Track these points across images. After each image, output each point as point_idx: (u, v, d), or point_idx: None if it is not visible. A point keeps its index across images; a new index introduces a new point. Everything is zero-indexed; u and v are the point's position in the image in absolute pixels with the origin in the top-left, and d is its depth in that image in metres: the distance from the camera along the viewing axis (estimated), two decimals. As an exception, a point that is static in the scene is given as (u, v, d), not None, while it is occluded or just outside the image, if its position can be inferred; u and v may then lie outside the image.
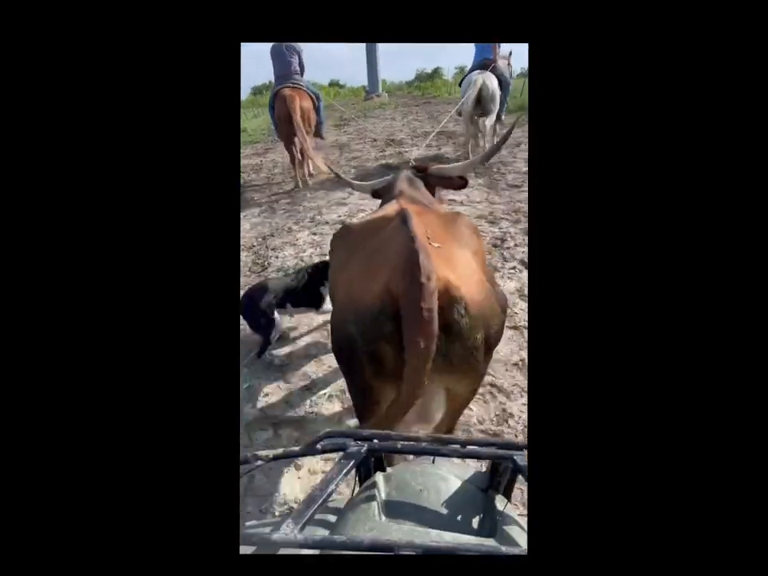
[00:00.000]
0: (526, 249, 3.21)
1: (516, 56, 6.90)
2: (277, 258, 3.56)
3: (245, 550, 0.41)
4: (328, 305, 2.30)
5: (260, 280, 2.88)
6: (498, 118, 5.82)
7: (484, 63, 5.41)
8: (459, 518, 0.50)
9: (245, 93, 17.31)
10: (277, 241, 3.90)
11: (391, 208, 1.29)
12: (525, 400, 1.92)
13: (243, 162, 7.05)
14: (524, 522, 0.49)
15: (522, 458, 0.50)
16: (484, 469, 0.59)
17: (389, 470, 0.58)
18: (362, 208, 4.37)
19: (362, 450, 0.54)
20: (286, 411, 2.01)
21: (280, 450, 0.57)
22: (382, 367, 1.00)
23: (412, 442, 0.54)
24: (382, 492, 0.52)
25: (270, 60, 5.28)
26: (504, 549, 0.39)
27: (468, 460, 0.59)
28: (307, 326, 2.63)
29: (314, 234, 3.98)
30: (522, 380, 2.05)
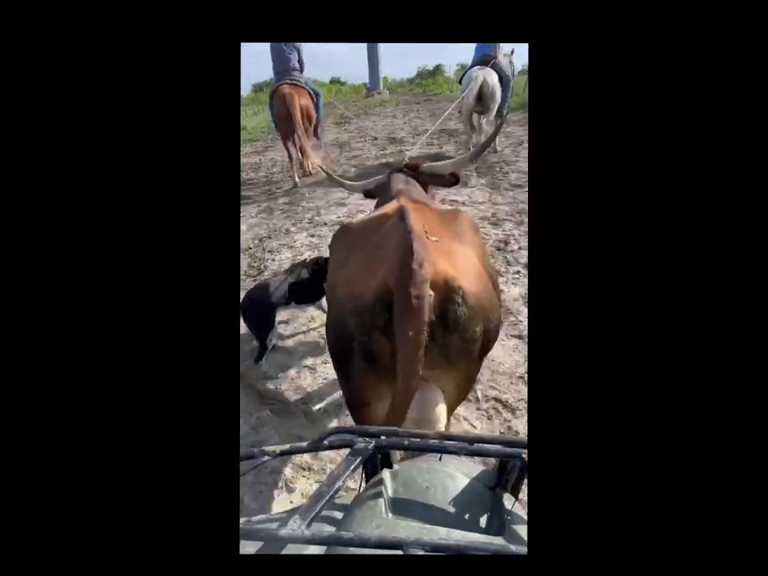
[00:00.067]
0: (530, 252, 3.11)
1: (518, 54, 6.80)
2: (273, 260, 3.47)
3: (252, 545, 0.42)
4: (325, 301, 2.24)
5: (256, 284, 2.84)
6: (501, 114, 5.76)
7: (484, 59, 5.34)
8: (467, 515, 0.50)
9: (246, 90, 17.27)
10: (274, 243, 3.80)
11: (391, 206, 1.28)
12: (531, 415, 1.82)
13: (242, 160, 6.95)
14: None
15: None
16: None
17: (395, 466, 0.58)
18: (362, 209, 4.27)
19: (369, 447, 0.54)
20: (279, 430, 1.91)
21: (287, 446, 0.56)
22: (375, 360, 1.00)
23: (419, 439, 0.54)
24: (389, 489, 0.52)
25: (270, 58, 5.24)
26: (513, 548, 0.38)
27: (476, 457, 0.60)
28: (302, 335, 2.53)
29: (312, 235, 3.88)
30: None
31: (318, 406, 1.97)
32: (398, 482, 0.53)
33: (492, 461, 0.56)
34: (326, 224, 4.09)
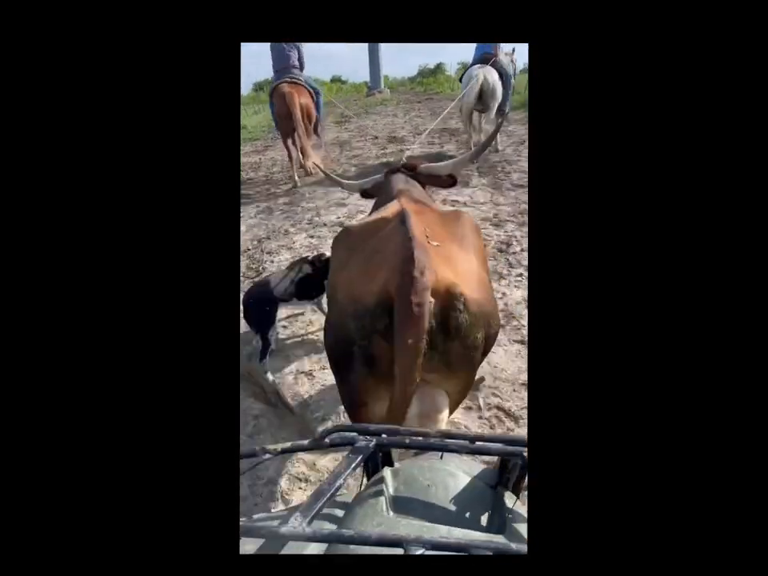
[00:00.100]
0: (532, 254, 3.06)
1: (520, 52, 6.75)
2: (272, 262, 3.42)
3: (253, 542, 0.42)
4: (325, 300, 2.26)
5: (252, 282, 2.85)
6: (503, 113, 5.72)
7: (485, 57, 5.31)
8: (468, 514, 0.49)
9: (247, 89, 17.19)
10: (273, 244, 3.75)
11: (392, 208, 1.28)
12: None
13: (242, 159, 6.89)
14: None
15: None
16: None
17: (396, 465, 0.58)
18: (362, 209, 4.21)
19: (370, 445, 0.54)
20: (277, 437, 1.87)
21: (288, 444, 0.57)
22: (374, 364, 1.00)
23: (420, 438, 0.54)
24: (390, 487, 0.51)
25: (270, 56, 5.21)
26: (514, 546, 0.38)
27: (477, 456, 0.60)
28: (300, 339, 2.48)
29: (312, 236, 3.83)
30: (530, 401, 1.90)
31: (316, 414, 1.92)
32: (399, 481, 0.52)
33: (493, 459, 0.54)
34: (325, 225, 4.04)
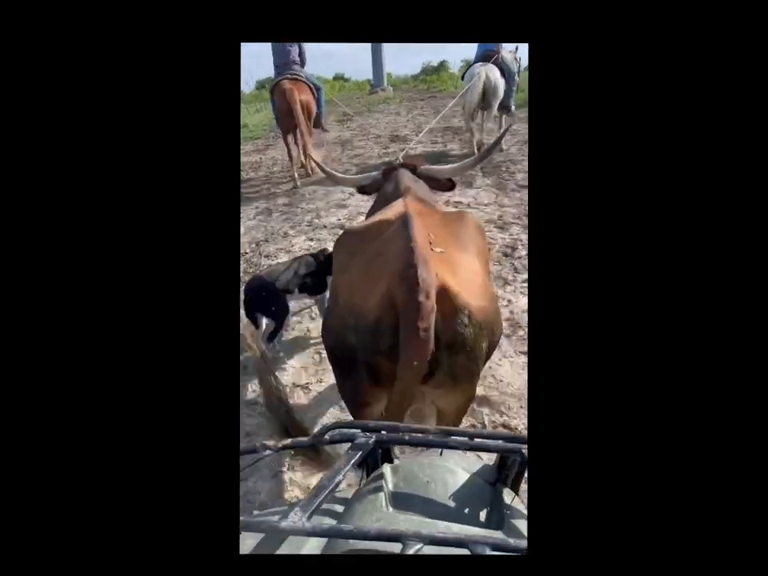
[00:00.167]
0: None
1: (523, 50, 6.63)
2: (269, 266, 3.32)
3: (253, 537, 0.42)
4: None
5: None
6: (508, 110, 5.65)
7: (487, 55, 5.26)
8: (467, 510, 0.50)
9: (249, 87, 17.07)
10: (271, 247, 3.66)
11: (395, 208, 1.25)
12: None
13: (242, 159, 6.81)
14: None
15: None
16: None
17: (396, 461, 0.58)
18: (362, 211, 4.11)
19: (370, 442, 0.54)
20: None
21: (288, 440, 0.58)
22: (378, 376, 0.99)
23: (420, 434, 0.54)
24: (390, 483, 0.52)
25: (271, 54, 5.20)
26: (512, 541, 0.38)
27: (476, 453, 0.59)
28: (298, 349, 2.39)
29: (311, 239, 3.73)
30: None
31: (312, 431, 1.82)
32: (399, 477, 0.53)
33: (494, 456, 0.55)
34: (325, 227, 3.95)
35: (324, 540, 0.43)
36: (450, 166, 1.83)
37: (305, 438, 0.57)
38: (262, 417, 1.96)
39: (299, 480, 1.63)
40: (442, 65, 22.38)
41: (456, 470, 0.54)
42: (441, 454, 0.57)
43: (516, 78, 5.65)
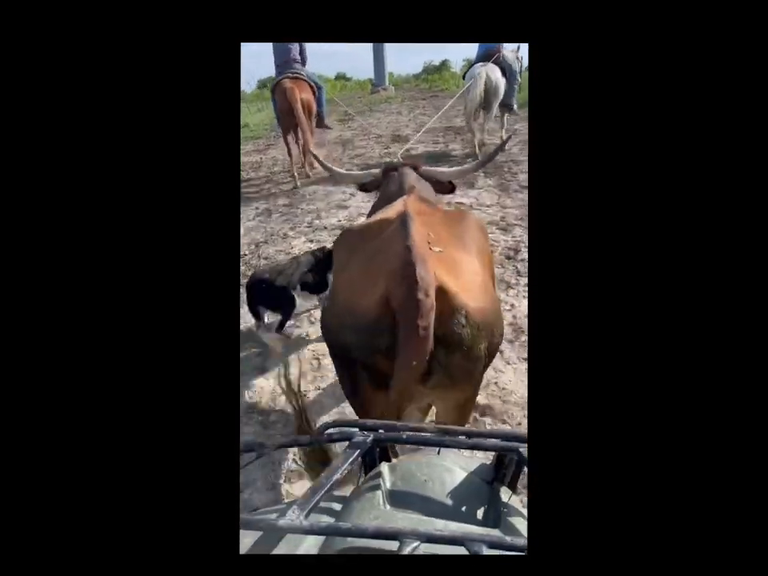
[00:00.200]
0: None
1: (526, 50, 6.59)
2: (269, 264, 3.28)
3: (251, 535, 0.43)
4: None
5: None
6: (510, 109, 5.62)
7: (488, 54, 5.23)
8: (464, 508, 0.50)
9: (251, 86, 17.01)
10: (270, 249, 3.61)
11: (396, 207, 1.24)
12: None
13: (243, 159, 6.77)
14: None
15: (526, 450, 0.49)
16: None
17: (394, 460, 0.58)
18: (363, 212, 4.07)
19: (368, 440, 0.54)
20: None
21: (286, 439, 0.59)
22: (376, 375, 0.98)
23: (417, 433, 0.54)
24: (387, 482, 0.52)
25: (272, 52, 5.20)
26: (509, 539, 0.38)
27: (474, 452, 0.59)
28: (295, 354, 2.34)
29: (311, 241, 3.69)
30: (542, 427, 1.75)
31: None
32: (397, 476, 0.53)
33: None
34: (325, 228, 3.90)
35: (322, 538, 0.43)
36: (451, 168, 1.83)
37: (303, 437, 0.57)
38: (259, 425, 1.91)
39: (296, 492, 1.58)
40: (444, 64, 22.27)
41: (453, 468, 0.54)
42: (438, 452, 0.56)
43: (518, 76, 5.62)
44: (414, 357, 0.88)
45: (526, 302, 2.52)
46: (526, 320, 2.36)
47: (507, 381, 1.96)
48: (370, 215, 1.58)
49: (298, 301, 2.28)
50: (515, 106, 5.71)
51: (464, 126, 6.64)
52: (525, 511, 0.50)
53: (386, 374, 0.94)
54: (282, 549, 0.42)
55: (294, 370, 2.18)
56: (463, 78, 5.86)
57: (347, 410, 1.73)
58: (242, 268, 3.33)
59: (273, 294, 2.19)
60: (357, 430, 0.56)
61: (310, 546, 0.43)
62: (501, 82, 5.09)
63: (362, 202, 4.41)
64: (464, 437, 0.53)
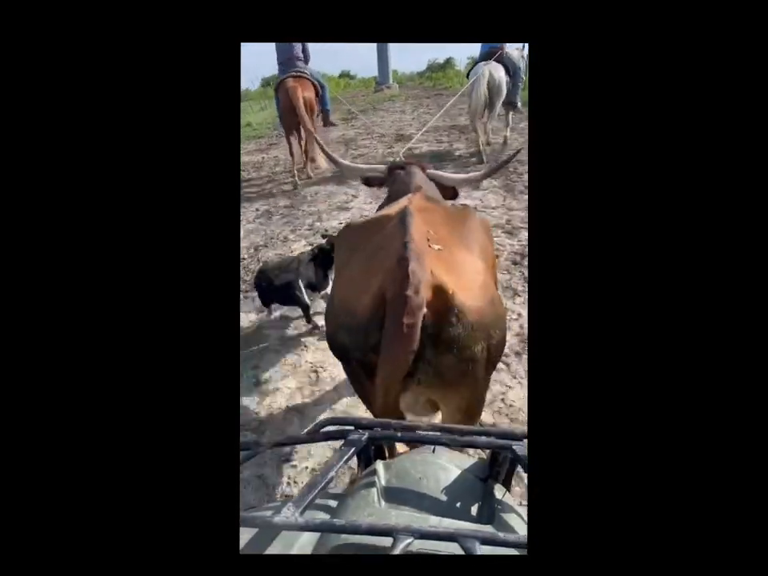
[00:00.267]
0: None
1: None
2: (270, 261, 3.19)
3: (247, 532, 0.43)
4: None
5: (245, 297, 2.92)
6: (514, 106, 5.54)
7: (491, 52, 5.18)
8: (458, 505, 0.50)
9: (254, 85, 16.91)
10: (270, 253, 3.53)
11: (399, 205, 1.23)
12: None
13: (245, 158, 6.70)
14: (522, 510, 0.50)
15: (520, 448, 0.50)
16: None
17: (389, 458, 0.59)
18: (365, 214, 3.98)
19: (363, 438, 0.54)
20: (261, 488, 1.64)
21: (283, 437, 0.64)
22: (373, 374, 0.96)
23: (412, 432, 0.54)
24: (382, 479, 0.52)
25: (275, 50, 5.18)
26: (501, 535, 0.38)
27: (471, 450, 0.60)
28: (292, 368, 2.25)
29: (311, 244, 3.59)
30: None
31: (305, 464, 1.68)
32: (392, 473, 0.53)
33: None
34: (326, 231, 3.81)
35: (317, 535, 0.44)
36: (456, 175, 1.83)
37: (299, 435, 0.58)
38: (253, 434, 1.83)
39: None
40: (448, 62, 22.04)
41: (448, 466, 0.54)
42: (434, 450, 0.57)
43: (521, 74, 5.53)
44: (397, 353, 0.87)
45: (533, 311, 2.43)
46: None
47: (515, 398, 1.86)
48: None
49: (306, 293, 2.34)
50: (519, 104, 5.63)
51: (468, 125, 6.55)
52: (519, 508, 0.51)
53: None
54: (277, 546, 0.43)
55: (291, 384, 2.10)
56: (467, 76, 5.78)
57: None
58: (241, 273, 3.25)
59: (277, 291, 2.29)
60: (352, 428, 0.56)
61: (304, 542, 0.44)
62: (504, 81, 5.04)
63: (365, 204, 4.32)
64: (457, 434, 0.53)
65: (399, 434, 0.55)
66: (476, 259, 1.08)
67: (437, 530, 0.39)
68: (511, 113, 5.79)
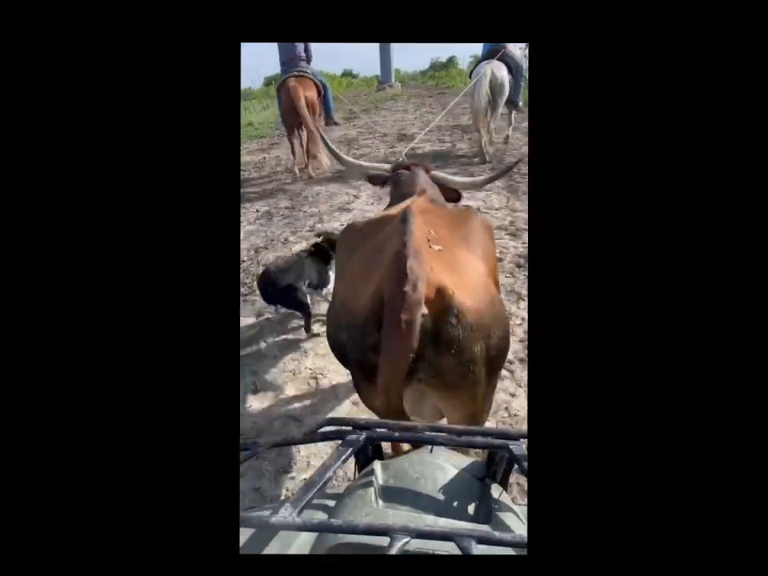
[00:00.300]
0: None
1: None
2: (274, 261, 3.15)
3: (244, 532, 0.44)
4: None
5: (244, 300, 2.89)
6: (516, 105, 5.49)
7: (494, 51, 5.14)
8: (455, 504, 0.50)
9: (257, 84, 16.87)
10: (270, 255, 3.49)
11: (401, 206, 1.23)
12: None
13: (246, 158, 6.66)
14: (519, 509, 0.50)
15: (517, 448, 0.50)
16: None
17: (387, 458, 0.58)
18: (367, 215, 3.93)
19: (361, 438, 0.54)
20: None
21: (280, 438, 0.59)
22: (372, 374, 0.95)
23: (409, 432, 0.54)
24: (380, 479, 0.52)
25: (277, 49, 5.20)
26: (497, 534, 0.39)
27: (468, 450, 0.60)
28: (290, 374, 2.21)
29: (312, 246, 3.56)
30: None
31: (303, 475, 1.64)
32: (389, 473, 0.53)
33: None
34: (325, 231, 3.76)
35: (314, 535, 0.44)
36: (459, 178, 1.82)
37: (297, 436, 0.58)
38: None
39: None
40: (451, 61, 21.94)
41: (445, 466, 0.54)
42: (431, 450, 0.57)
43: (524, 73, 5.49)
44: (396, 350, 0.86)
45: (537, 316, 2.38)
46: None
47: (519, 407, 1.81)
48: None
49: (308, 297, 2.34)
50: (521, 103, 5.59)
51: (471, 125, 6.50)
52: (516, 507, 0.51)
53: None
54: (274, 546, 0.43)
55: (290, 390, 2.06)
56: (470, 75, 5.74)
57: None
58: (241, 275, 3.21)
59: (280, 294, 2.29)
60: (350, 428, 0.56)
61: (302, 542, 0.44)
62: (506, 80, 5.01)
63: (366, 205, 4.27)
64: (455, 434, 0.53)
65: (397, 434, 0.55)
66: (477, 260, 1.08)
67: (433, 529, 0.39)
68: (514, 112, 5.75)
